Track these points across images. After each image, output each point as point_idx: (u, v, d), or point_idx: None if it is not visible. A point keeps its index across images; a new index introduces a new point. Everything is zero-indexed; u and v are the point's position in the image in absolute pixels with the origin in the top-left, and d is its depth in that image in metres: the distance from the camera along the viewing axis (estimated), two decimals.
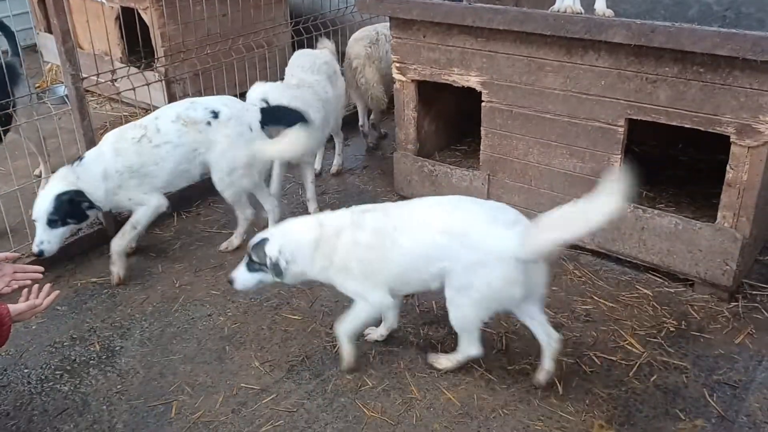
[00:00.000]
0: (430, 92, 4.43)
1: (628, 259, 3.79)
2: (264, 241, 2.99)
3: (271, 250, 2.93)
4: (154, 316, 3.58)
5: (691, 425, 2.79)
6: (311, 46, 5.61)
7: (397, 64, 4.34)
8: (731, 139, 3.22)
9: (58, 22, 3.79)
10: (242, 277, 3.05)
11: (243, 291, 3.32)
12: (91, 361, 3.26)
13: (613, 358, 3.18)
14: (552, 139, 3.85)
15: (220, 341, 3.37)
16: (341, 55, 5.74)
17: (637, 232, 3.67)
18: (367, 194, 4.75)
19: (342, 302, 3.41)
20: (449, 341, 3.32)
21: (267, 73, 5.59)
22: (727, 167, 3.28)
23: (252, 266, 3.02)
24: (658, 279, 3.72)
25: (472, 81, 4.03)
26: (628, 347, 3.24)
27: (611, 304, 3.54)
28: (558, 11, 3.86)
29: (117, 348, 3.36)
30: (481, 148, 4.17)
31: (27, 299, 2.68)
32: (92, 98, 6.28)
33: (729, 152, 3.26)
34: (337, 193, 4.84)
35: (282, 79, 4.62)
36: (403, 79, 4.36)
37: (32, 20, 7.26)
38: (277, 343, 3.35)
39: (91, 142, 4.08)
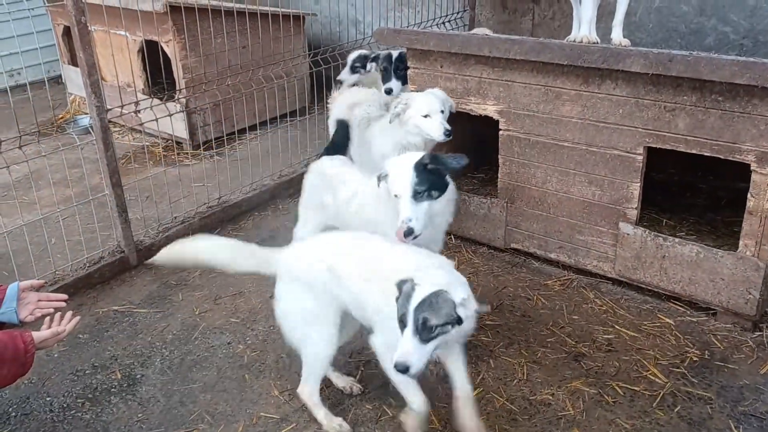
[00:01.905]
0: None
1: (650, 288, 3.76)
2: (440, 293, 2.29)
3: (461, 295, 2.33)
4: (174, 344, 3.60)
5: None
6: (329, 77, 5.69)
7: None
8: (752, 167, 3.21)
9: (84, 55, 3.88)
10: (418, 354, 2.28)
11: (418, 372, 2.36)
12: (113, 390, 3.28)
13: (636, 388, 3.13)
14: (570, 167, 3.86)
15: (239, 369, 3.38)
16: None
17: (658, 261, 3.64)
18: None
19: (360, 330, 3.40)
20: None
21: (286, 103, 5.67)
22: (748, 195, 3.27)
23: (429, 333, 2.29)
24: (680, 308, 3.68)
25: (489, 110, 4.07)
26: (651, 377, 3.19)
27: (633, 333, 3.50)
28: (574, 41, 3.90)
29: (138, 376, 3.37)
30: (499, 175, 4.19)
31: (50, 326, 2.72)
32: (115, 129, 6.40)
33: (749, 179, 3.25)
34: None
35: (302, 108, 4.75)
36: None
37: (58, 52, 7.45)
38: (297, 372, 3.33)
39: (115, 172, 4.15)
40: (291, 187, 5.32)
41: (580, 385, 3.16)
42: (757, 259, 3.31)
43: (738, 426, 2.88)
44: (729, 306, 3.46)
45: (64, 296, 2.93)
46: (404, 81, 4.61)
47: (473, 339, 3.51)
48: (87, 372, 3.41)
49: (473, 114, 4.16)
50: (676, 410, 3.00)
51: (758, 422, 2.91)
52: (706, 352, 3.34)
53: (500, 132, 4.08)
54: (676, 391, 3.10)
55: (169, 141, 5.67)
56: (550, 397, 3.09)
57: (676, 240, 3.59)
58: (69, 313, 2.77)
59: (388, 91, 4.62)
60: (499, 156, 4.14)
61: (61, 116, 6.88)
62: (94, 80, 3.96)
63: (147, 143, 5.88)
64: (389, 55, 4.74)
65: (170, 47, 5.80)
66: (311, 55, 5.79)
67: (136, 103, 4.38)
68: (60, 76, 7.78)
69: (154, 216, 4.66)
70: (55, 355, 3.54)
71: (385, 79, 4.70)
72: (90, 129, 4.19)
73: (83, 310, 3.90)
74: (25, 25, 6.85)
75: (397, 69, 4.64)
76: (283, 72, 5.67)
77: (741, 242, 3.36)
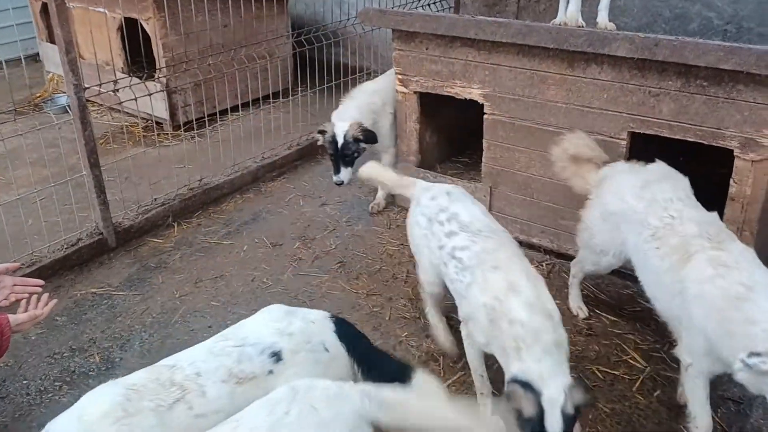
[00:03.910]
0: (431, 104, 4.44)
1: (630, 273, 3.77)
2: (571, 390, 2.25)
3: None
4: (153, 328, 3.56)
5: None
6: (312, 58, 5.62)
7: (400, 76, 4.35)
8: (735, 153, 3.22)
9: (62, 32, 3.79)
10: None
11: None
12: (91, 373, 3.24)
13: (616, 372, 3.16)
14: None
15: None
16: (342, 68, 5.75)
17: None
18: (367, 205, 4.74)
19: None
20: (451, 360, 3.30)
21: (268, 84, 5.59)
22: (731, 181, 3.28)
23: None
24: None
25: (475, 93, 4.04)
26: (631, 362, 3.22)
27: (614, 318, 3.52)
28: (560, 24, 3.87)
29: (117, 359, 3.33)
30: (483, 160, 4.17)
31: (26, 310, 2.66)
32: (93, 108, 6.27)
33: (731, 166, 3.26)
34: (339, 204, 4.83)
35: (285, 89, 4.63)
36: (406, 91, 4.36)
37: (35, 30, 7.28)
38: None
39: (93, 152, 4.07)
40: (274, 170, 5.27)
41: None
42: None
43: (716, 410, 2.91)
44: None
45: (40, 282, 2.86)
46: (353, 164, 4.27)
47: (455, 323, 3.51)
48: (65, 355, 3.37)
49: (458, 98, 4.13)
50: (655, 394, 3.02)
51: (735, 406, 2.95)
52: None
53: (485, 116, 4.05)
54: (655, 376, 3.13)
55: (149, 121, 5.57)
56: None
57: None
58: (45, 296, 2.71)
59: (339, 183, 4.34)
60: (484, 140, 4.12)
61: (38, 95, 6.74)
62: (71, 57, 3.86)
63: (126, 123, 5.78)
64: (334, 141, 4.24)
65: (150, 25, 5.69)
66: (294, 36, 5.72)
67: (115, 82, 4.29)
68: (37, 54, 7.61)
69: (133, 197, 4.59)
70: (32, 338, 3.48)
71: (333, 167, 4.33)
72: (67, 108, 4.10)
73: (61, 293, 3.84)
74: (2, 2, 6.71)
75: (344, 156, 4.26)
76: (266, 52, 5.60)
77: None
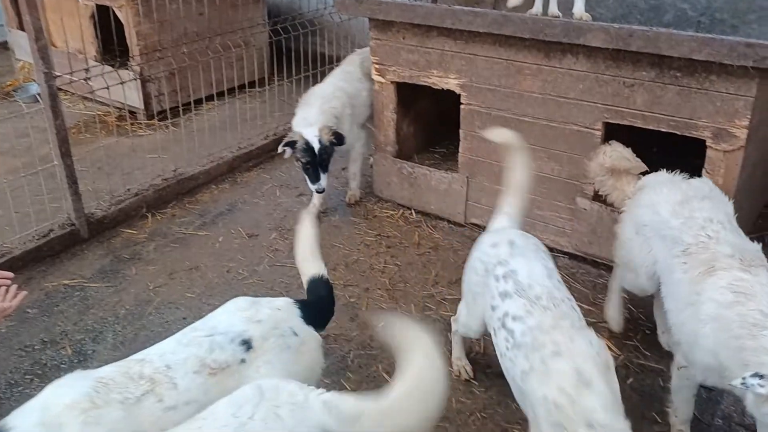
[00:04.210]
0: (408, 94, 4.42)
1: (605, 262, 3.81)
2: None
3: None
4: (127, 320, 3.51)
5: (667, 428, 2.80)
6: (289, 47, 5.57)
7: (377, 66, 4.33)
8: (707, 143, 3.26)
9: (31, 19, 3.70)
10: None
11: None
12: (63, 365, 3.19)
13: None
14: (530, 142, 3.83)
15: None
16: (319, 57, 5.72)
17: (614, 236, 3.68)
18: (344, 196, 4.72)
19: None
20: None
21: (244, 73, 5.54)
22: (703, 171, 3.32)
23: None
24: None
25: (451, 83, 4.03)
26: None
27: (588, 307, 3.55)
28: (536, 15, 3.88)
29: (89, 352, 3.28)
30: (460, 150, 4.17)
31: None
32: (65, 97, 6.14)
33: (704, 156, 3.30)
34: None
35: (261, 79, 4.57)
36: (382, 80, 4.34)
37: (3, 17, 7.12)
38: None
39: (64, 141, 4.00)
40: (250, 160, 5.23)
41: None
42: None
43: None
44: None
45: (9, 274, 2.80)
46: (328, 168, 4.15)
47: (432, 313, 3.53)
48: (36, 348, 3.31)
49: (435, 88, 4.12)
50: (628, 382, 3.06)
51: (707, 392, 2.99)
52: None
53: (461, 106, 4.05)
54: (629, 363, 3.16)
55: (123, 110, 5.48)
56: None
57: None
58: (14, 287, 2.66)
59: (321, 191, 4.18)
60: (461, 130, 4.12)
61: (9, 83, 6.60)
62: (41, 45, 3.78)
63: (99, 112, 5.68)
64: (309, 148, 4.03)
65: (123, 12, 5.58)
66: (271, 24, 5.66)
67: (87, 70, 4.21)
68: (6, 42, 7.45)
69: (106, 188, 4.52)
70: (2, 331, 3.42)
71: (311, 176, 4.11)
72: (38, 96, 4.02)
73: (32, 284, 3.78)
74: None
75: (322, 162, 4.07)
76: (242, 41, 5.53)
77: None
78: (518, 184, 2.97)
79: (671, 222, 2.72)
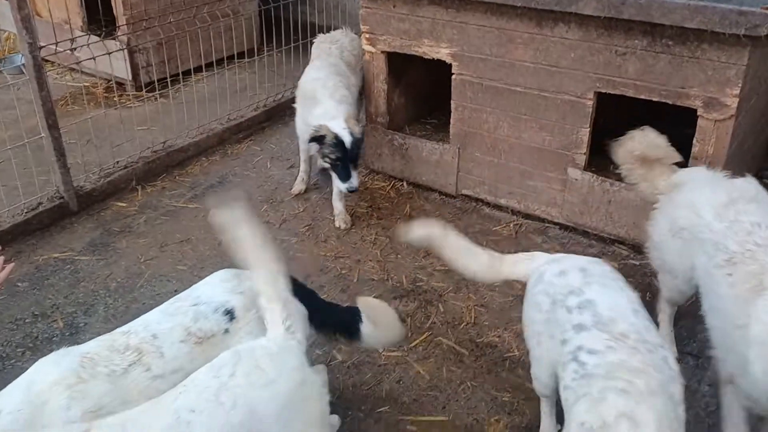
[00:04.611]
0: (399, 64, 4.38)
1: (595, 232, 3.83)
2: None
3: None
4: (118, 293, 3.51)
5: None
6: (278, 17, 5.49)
7: (367, 35, 4.27)
8: (698, 113, 3.25)
9: None
10: None
11: None
12: (54, 338, 3.20)
13: None
14: (522, 112, 3.84)
15: None
16: (310, 27, 5.63)
17: (604, 206, 3.70)
18: None
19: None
20: (419, 315, 3.32)
21: (233, 44, 5.46)
22: (694, 140, 3.32)
23: None
24: (624, 251, 3.76)
25: (443, 53, 3.99)
26: None
27: None
28: None
29: (81, 324, 3.29)
30: (452, 121, 4.14)
31: None
32: (52, 68, 6.04)
33: (696, 126, 3.29)
34: None
35: (250, 49, 4.49)
36: (373, 50, 4.29)
37: None
38: None
39: (51, 113, 3.95)
40: (240, 132, 5.18)
41: None
42: None
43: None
44: None
45: None
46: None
47: (423, 284, 3.54)
48: (27, 321, 3.31)
49: (426, 57, 4.08)
50: None
51: (694, 360, 3.03)
52: (648, 293, 3.43)
53: (453, 76, 4.01)
54: None
55: (111, 82, 5.41)
56: (497, 339, 3.15)
57: (622, 185, 3.63)
58: (0, 260, 2.64)
59: (353, 190, 3.78)
60: (452, 101, 4.09)
61: None
62: (24, 14, 3.71)
63: (87, 84, 5.61)
64: (340, 143, 3.66)
65: None
66: None
67: (72, 41, 4.14)
68: None
69: (95, 161, 4.48)
70: None
71: (341, 174, 3.72)
72: (23, 68, 3.96)
73: (22, 258, 3.76)
74: None
75: (354, 157, 3.71)
76: (230, 10, 5.45)
77: None
78: None
79: (714, 226, 2.47)
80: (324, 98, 3.88)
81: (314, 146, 3.76)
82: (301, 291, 2.47)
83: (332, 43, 4.46)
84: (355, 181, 3.72)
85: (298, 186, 4.39)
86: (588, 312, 2.10)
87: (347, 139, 3.67)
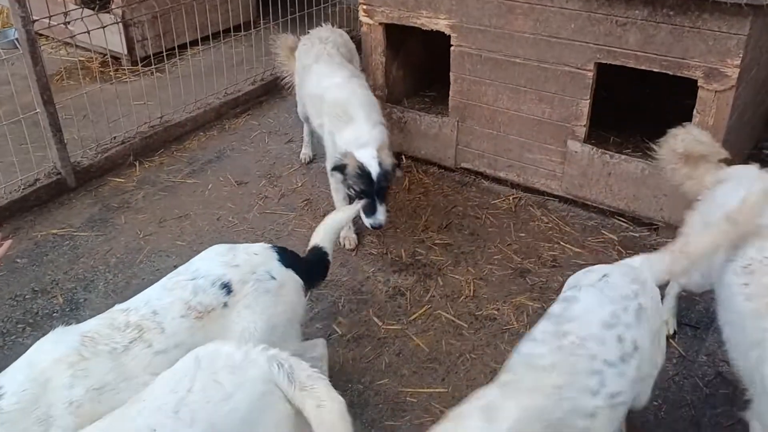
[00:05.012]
0: (398, 36, 4.33)
1: (595, 205, 3.82)
2: None
3: None
4: (118, 268, 3.51)
5: None
6: None
7: (364, 6, 4.21)
8: (699, 83, 3.22)
9: None
10: None
11: None
12: (54, 314, 3.21)
13: None
14: (521, 84, 3.80)
15: None
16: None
17: (604, 178, 3.69)
18: None
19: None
20: (418, 288, 3.33)
21: (229, 17, 5.39)
22: (694, 111, 3.29)
23: None
24: (624, 224, 3.76)
25: (441, 24, 3.94)
26: None
27: (577, 250, 3.57)
28: None
29: (81, 300, 3.30)
30: (450, 94, 4.11)
31: None
32: (46, 43, 5.99)
33: (696, 97, 3.26)
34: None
35: (246, 22, 4.41)
36: (371, 22, 4.24)
37: None
38: None
39: (46, 88, 3.91)
40: (237, 106, 5.15)
41: (524, 300, 3.23)
42: None
43: (674, 335, 3.01)
44: (671, 221, 3.54)
45: None
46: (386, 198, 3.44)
47: (422, 258, 3.54)
48: (27, 297, 3.32)
49: (424, 29, 4.03)
50: None
51: (692, 331, 3.05)
52: None
53: (452, 48, 3.97)
54: None
55: (106, 56, 5.37)
56: (496, 312, 3.16)
57: (622, 157, 3.63)
58: None
59: (377, 227, 3.35)
60: (451, 73, 4.05)
61: None
62: None
63: (82, 58, 5.55)
64: (365, 173, 3.27)
65: None
66: None
67: (66, 14, 4.08)
68: None
69: (91, 136, 4.45)
70: None
71: (366, 208, 3.31)
72: (16, 42, 3.91)
73: (20, 234, 3.76)
74: None
75: (381, 190, 3.31)
76: None
77: None
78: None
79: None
80: (358, 117, 3.44)
81: (338, 175, 3.40)
82: (296, 263, 2.47)
83: (324, 42, 4.02)
84: (381, 216, 3.31)
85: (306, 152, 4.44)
86: None
87: (375, 171, 3.26)
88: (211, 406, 1.81)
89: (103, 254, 3.62)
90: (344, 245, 3.66)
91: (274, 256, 2.41)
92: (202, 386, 1.83)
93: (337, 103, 3.54)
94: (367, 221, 3.35)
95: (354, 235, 3.68)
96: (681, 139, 2.79)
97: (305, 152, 4.47)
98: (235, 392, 1.84)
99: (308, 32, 4.26)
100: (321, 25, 4.34)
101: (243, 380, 1.87)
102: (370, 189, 3.27)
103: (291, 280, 2.39)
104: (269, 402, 1.88)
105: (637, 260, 2.27)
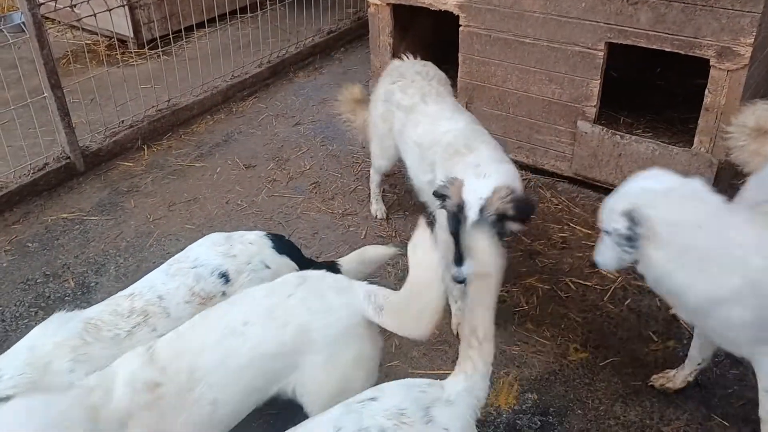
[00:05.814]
0: (406, 16, 4.29)
1: (605, 186, 3.79)
2: None
3: None
4: (128, 252, 3.53)
5: (663, 346, 2.86)
6: None
7: None
8: (711, 63, 3.18)
9: None
10: None
11: None
12: (66, 298, 3.23)
13: (588, 283, 3.22)
14: (531, 64, 3.77)
15: None
16: None
17: (614, 159, 3.66)
18: (341, 124, 4.64)
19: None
20: None
21: None
22: (706, 91, 3.25)
23: None
24: None
25: (450, 4, 3.90)
26: (603, 273, 3.27)
27: (587, 231, 3.56)
28: None
29: (92, 284, 3.31)
30: (459, 75, 4.07)
31: None
32: (52, 26, 5.98)
33: (708, 77, 3.22)
34: (313, 123, 4.73)
35: (253, 3, 4.30)
36: (378, 2, 4.20)
37: None
38: None
39: (53, 72, 3.91)
40: (245, 89, 5.13)
41: (534, 282, 3.23)
42: (710, 155, 3.34)
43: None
44: None
45: None
46: None
47: None
48: (38, 281, 3.34)
49: (433, 9, 3.99)
50: (626, 303, 3.10)
51: None
52: None
53: (460, 28, 3.93)
54: (626, 285, 3.20)
55: (112, 39, 5.34)
56: (506, 294, 3.16)
57: (633, 137, 3.60)
58: None
59: (460, 280, 2.63)
60: (459, 54, 4.01)
61: None
62: None
63: (88, 41, 5.54)
64: (460, 214, 2.58)
65: None
66: None
67: None
68: None
69: (99, 120, 4.45)
70: (4, 265, 3.44)
71: (453, 254, 2.66)
72: (23, 26, 3.89)
73: (31, 219, 3.78)
74: None
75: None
76: None
77: (696, 139, 3.38)
78: None
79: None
80: (482, 149, 2.85)
81: (438, 203, 2.76)
82: (290, 250, 2.50)
83: (427, 78, 3.36)
84: (466, 269, 2.57)
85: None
86: None
87: (471, 217, 2.55)
88: (310, 315, 1.99)
89: (113, 238, 3.63)
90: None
91: (269, 243, 2.44)
92: (304, 296, 2.02)
93: (457, 140, 2.93)
94: (451, 270, 2.68)
95: (384, 208, 3.77)
96: (751, 112, 2.60)
97: (377, 207, 3.75)
98: (339, 308, 2.03)
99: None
100: (401, 58, 3.58)
101: (348, 302, 2.07)
102: (458, 233, 2.61)
103: (286, 267, 2.41)
104: (363, 333, 2.08)
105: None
